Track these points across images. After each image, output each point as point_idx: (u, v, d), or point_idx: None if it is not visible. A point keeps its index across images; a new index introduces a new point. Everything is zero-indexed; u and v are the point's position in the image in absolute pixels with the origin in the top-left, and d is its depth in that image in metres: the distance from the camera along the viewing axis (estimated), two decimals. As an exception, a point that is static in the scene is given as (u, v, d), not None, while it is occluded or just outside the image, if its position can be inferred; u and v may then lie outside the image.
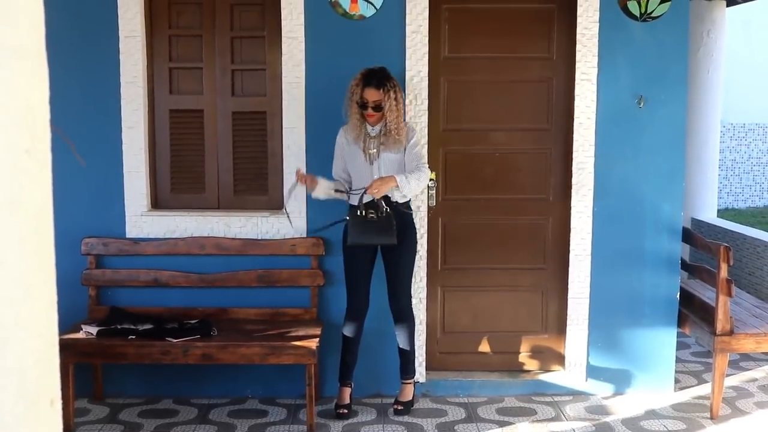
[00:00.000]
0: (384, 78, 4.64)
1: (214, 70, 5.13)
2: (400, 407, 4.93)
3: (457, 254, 5.31)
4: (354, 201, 4.67)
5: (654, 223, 5.16)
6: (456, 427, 4.74)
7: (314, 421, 4.68)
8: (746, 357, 5.97)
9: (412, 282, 4.96)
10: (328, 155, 4.96)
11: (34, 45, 1.08)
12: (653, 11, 5.01)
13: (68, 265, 4.93)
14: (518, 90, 5.23)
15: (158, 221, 5.09)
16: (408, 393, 4.98)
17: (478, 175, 5.26)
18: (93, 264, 5.06)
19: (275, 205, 5.18)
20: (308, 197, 5.05)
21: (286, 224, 5.04)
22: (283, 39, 4.98)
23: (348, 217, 4.67)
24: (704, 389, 5.34)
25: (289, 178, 5.03)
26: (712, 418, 4.88)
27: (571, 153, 5.13)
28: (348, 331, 4.85)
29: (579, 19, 5.01)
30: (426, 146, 5.01)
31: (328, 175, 4.86)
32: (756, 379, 5.58)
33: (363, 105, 4.63)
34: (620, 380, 5.28)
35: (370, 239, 4.67)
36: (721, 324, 4.79)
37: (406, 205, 4.81)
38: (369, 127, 4.70)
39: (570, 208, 5.16)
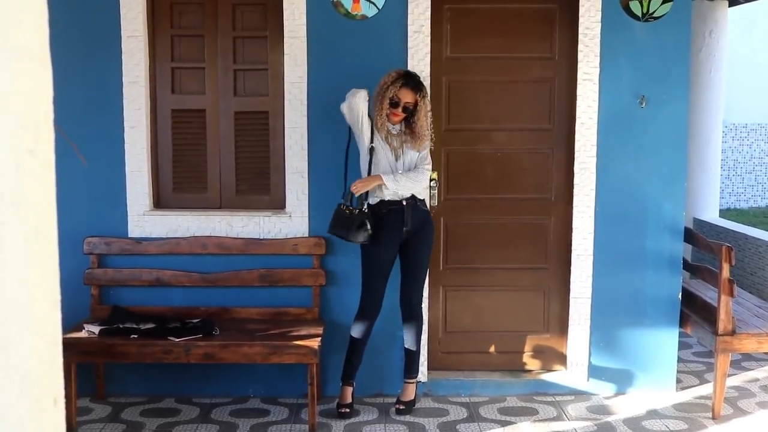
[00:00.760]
0: (420, 82, 4.68)
1: (217, 70, 5.14)
2: (402, 407, 4.93)
3: (459, 254, 5.31)
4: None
5: (656, 223, 5.16)
6: (458, 427, 4.74)
7: (316, 421, 4.69)
8: (748, 357, 5.97)
9: (425, 281, 4.98)
10: (330, 155, 4.97)
11: (38, 46, 1.08)
12: (655, 11, 5.01)
13: (71, 265, 4.94)
14: (520, 90, 5.24)
15: (160, 221, 5.10)
16: (410, 392, 4.98)
17: (480, 174, 5.27)
18: (95, 263, 5.07)
19: (277, 204, 5.18)
20: (311, 197, 5.05)
21: (288, 223, 5.05)
22: (285, 39, 4.99)
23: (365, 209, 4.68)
24: (706, 389, 5.34)
25: (291, 177, 5.04)
26: (713, 418, 4.88)
27: (573, 153, 5.13)
28: (358, 331, 4.83)
29: (581, 20, 5.01)
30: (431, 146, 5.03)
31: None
32: (758, 379, 5.58)
33: (395, 104, 4.63)
34: (622, 380, 5.28)
35: (343, 234, 4.68)
36: (723, 324, 4.79)
37: (422, 202, 4.83)
38: (390, 126, 4.71)
39: (572, 208, 5.17)
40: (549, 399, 5.19)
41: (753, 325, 4.98)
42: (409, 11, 4.97)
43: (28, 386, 1.08)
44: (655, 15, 5.01)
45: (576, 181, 5.13)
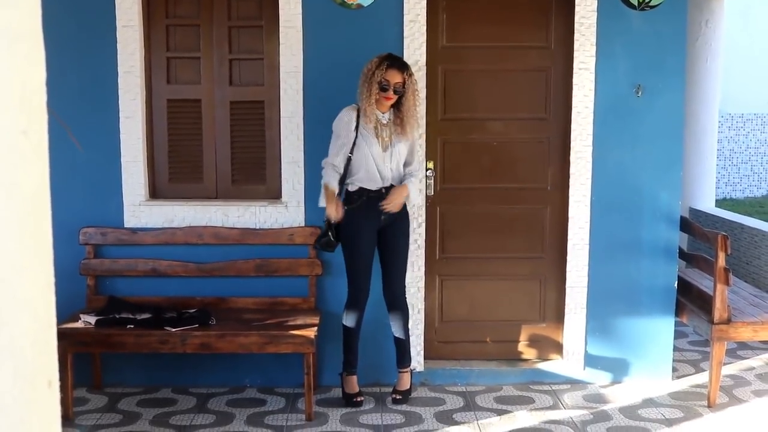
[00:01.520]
0: (404, 61, 4.70)
1: (212, 60, 5.13)
2: (398, 396, 4.94)
3: (455, 243, 5.32)
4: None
5: (652, 212, 5.16)
6: (454, 416, 4.75)
7: (313, 410, 4.70)
8: (744, 346, 5.98)
9: (406, 270, 4.98)
10: (326, 144, 4.95)
11: (30, 26, 1.07)
12: (651, 0, 5.00)
13: (66, 255, 4.94)
14: (516, 79, 5.23)
15: (156, 211, 5.09)
16: (405, 382, 4.99)
17: (476, 164, 5.26)
18: (91, 254, 5.07)
19: (273, 194, 5.18)
20: (307, 186, 5.05)
21: (284, 213, 5.06)
22: (281, 28, 4.97)
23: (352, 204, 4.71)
24: (702, 378, 5.35)
25: (287, 167, 5.04)
26: (709, 406, 4.89)
27: (569, 142, 5.13)
28: (351, 321, 4.84)
29: (577, 8, 5.01)
30: (423, 136, 5.03)
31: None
32: (753, 368, 5.59)
33: (384, 87, 4.61)
34: (618, 369, 5.29)
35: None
36: (718, 312, 4.80)
37: None
38: (380, 114, 4.70)
39: (568, 198, 5.17)
40: (545, 388, 5.20)
41: (748, 314, 4.99)
42: (405, 0, 4.96)
43: (22, 368, 1.07)
44: (651, 4, 5.01)
45: (572, 170, 5.13)
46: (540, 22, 5.17)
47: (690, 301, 5.20)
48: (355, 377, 4.92)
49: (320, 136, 5.00)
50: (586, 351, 5.27)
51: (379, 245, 4.85)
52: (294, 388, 5.12)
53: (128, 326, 4.67)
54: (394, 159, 4.74)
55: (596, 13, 5.00)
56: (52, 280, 1.15)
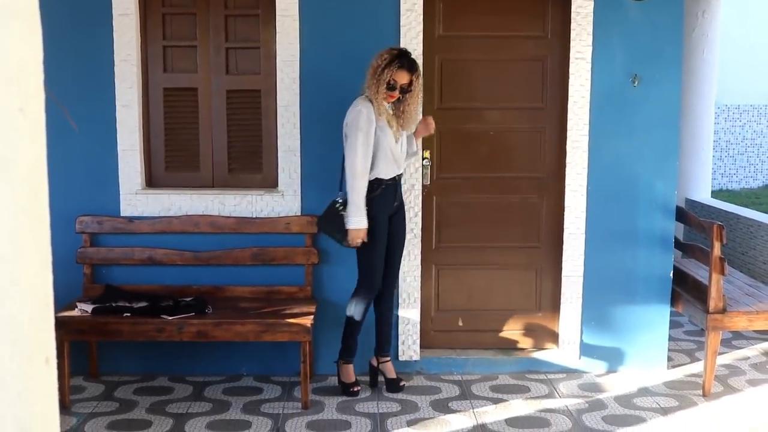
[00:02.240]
0: (414, 60, 4.69)
1: (209, 49, 5.12)
2: (402, 384, 4.98)
3: (451, 233, 5.32)
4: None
5: (648, 202, 5.18)
6: (450, 404, 4.77)
7: (309, 398, 4.71)
8: (739, 336, 6.01)
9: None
10: (322, 133, 4.97)
11: (27, 4, 1.08)
12: (648, -10, 5.00)
13: (63, 243, 4.94)
14: (513, 69, 5.23)
15: (153, 199, 5.09)
16: (393, 369, 5.01)
17: (472, 153, 5.27)
18: (88, 242, 5.07)
19: (269, 183, 5.18)
20: (303, 175, 5.06)
21: (281, 202, 5.06)
22: (277, 17, 4.97)
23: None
24: (697, 367, 5.38)
25: (284, 156, 5.04)
26: (704, 395, 4.91)
27: (566, 132, 5.13)
28: (360, 312, 4.81)
29: (574, -2, 5.01)
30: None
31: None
32: (748, 358, 5.61)
33: (392, 87, 4.61)
34: (613, 358, 5.31)
35: (338, 238, 4.71)
36: (713, 302, 4.81)
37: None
38: (387, 106, 4.71)
39: (564, 187, 5.18)
40: (541, 377, 5.22)
41: (743, 304, 5.00)
42: (402, -11, 4.96)
43: (20, 344, 1.08)
44: (647, -7, 5.01)
45: (568, 159, 5.13)
46: (537, 11, 5.17)
47: (685, 290, 5.21)
48: (352, 366, 4.93)
49: (317, 124, 5.01)
50: (581, 340, 5.29)
51: (389, 233, 4.86)
52: (290, 377, 5.14)
53: (125, 314, 4.67)
54: (403, 147, 4.80)
55: (593, 3, 5.00)
56: (49, 258, 1.15)
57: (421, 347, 5.28)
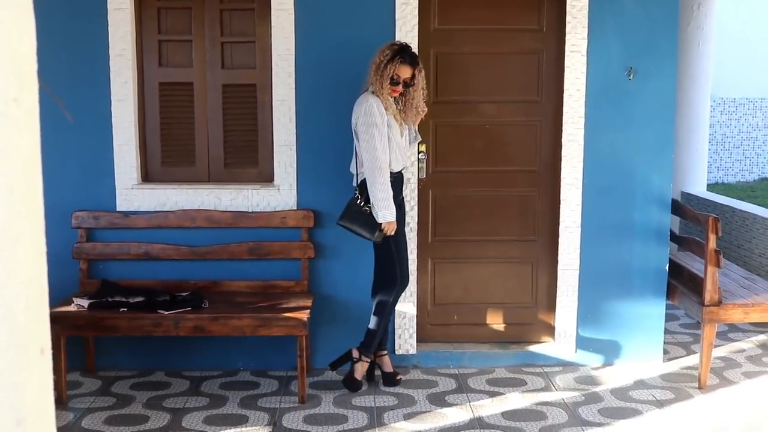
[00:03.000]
0: (415, 55, 4.70)
1: (204, 43, 5.11)
2: (399, 377, 4.98)
3: (447, 226, 5.33)
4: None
5: (643, 195, 5.18)
6: (447, 398, 4.77)
7: (306, 393, 4.71)
8: (734, 328, 6.02)
9: None
10: (318, 127, 4.98)
11: (20, -7, 1.08)
12: (643, -17, 5.00)
13: (59, 239, 4.94)
14: (508, 62, 5.23)
15: (149, 194, 5.09)
16: (389, 363, 5.01)
17: (468, 147, 5.27)
18: (84, 237, 5.06)
19: (265, 177, 5.18)
20: (299, 169, 5.06)
21: (276, 196, 5.06)
22: (273, 11, 4.96)
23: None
24: (692, 360, 5.39)
25: (280, 150, 5.03)
26: (700, 387, 4.93)
27: (561, 125, 5.14)
28: (392, 305, 4.85)
29: (569, -9, 5.00)
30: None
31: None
32: (744, 350, 5.63)
33: (395, 82, 4.62)
34: (609, 351, 5.32)
35: (356, 228, 4.67)
36: (709, 294, 4.82)
37: None
38: (390, 100, 4.71)
39: (560, 180, 5.18)
40: (537, 370, 5.23)
41: (739, 296, 5.01)
42: (397, -17, 4.95)
43: (15, 334, 1.08)
44: (643, -14, 5.01)
45: (564, 153, 5.14)
46: (532, 4, 5.17)
47: (681, 283, 5.22)
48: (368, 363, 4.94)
49: (312, 119, 5.01)
50: (577, 333, 5.29)
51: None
52: (287, 371, 5.14)
53: (121, 309, 4.67)
54: (407, 140, 4.86)
55: (588, -4, 5.00)
56: (44, 248, 1.15)
57: (417, 341, 5.28)
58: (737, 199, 7.93)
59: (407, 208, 5.07)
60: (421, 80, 4.69)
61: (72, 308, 4.71)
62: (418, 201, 5.18)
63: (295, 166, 5.06)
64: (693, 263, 5.41)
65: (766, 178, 14.49)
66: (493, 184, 5.30)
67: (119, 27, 4.95)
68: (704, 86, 7.67)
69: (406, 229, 5.06)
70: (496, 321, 5.42)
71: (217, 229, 5.08)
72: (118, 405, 4.67)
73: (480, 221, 5.33)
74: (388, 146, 4.61)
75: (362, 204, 4.63)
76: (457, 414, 4.55)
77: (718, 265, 4.80)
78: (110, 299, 4.76)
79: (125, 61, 4.98)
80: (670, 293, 5.28)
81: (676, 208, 5.37)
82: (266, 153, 5.16)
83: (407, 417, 4.51)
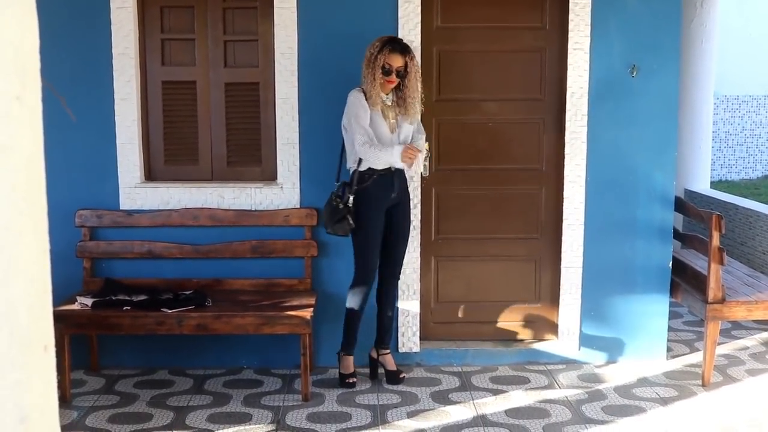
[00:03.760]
0: (406, 44, 4.68)
1: (207, 41, 5.12)
2: (402, 375, 4.98)
3: (450, 224, 5.33)
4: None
5: (647, 193, 5.18)
6: (450, 396, 4.78)
7: (309, 391, 4.72)
8: (738, 325, 6.01)
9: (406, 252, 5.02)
10: (321, 126, 4.97)
11: (22, -8, 1.08)
12: (646, -20, 4.99)
13: (62, 238, 4.95)
14: (511, 60, 5.23)
15: (152, 193, 5.09)
16: (393, 361, 5.02)
17: (471, 145, 5.27)
18: (87, 236, 5.07)
19: (269, 176, 5.18)
20: (302, 168, 5.06)
21: (280, 195, 5.06)
22: (275, 9, 4.96)
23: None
24: (696, 357, 5.38)
25: (283, 149, 5.04)
26: (703, 385, 4.92)
27: (564, 123, 5.13)
28: (357, 302, 4.83)
29: (572, -12, 5.00)
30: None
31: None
32: (747, 347, 5.62)
33: (387, 71, 4.61)
34: (613, 349, 5.31)
35: (326, 224, 4.76)
36: (713, 292, 4.82)
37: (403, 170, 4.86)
38: (384, 97, 4.70)
39: (563, 178, 5.18)
40: (541, 368, 5.22)
41: (743, 293, 5.01)
42: (400, -19, 4.95)
43: (18, 332, 1.08)
44: (645, -16, 5.00)
45: (567, 150, 5.13)
46: (535, 2, 5.16)
47: (685, 281, 5.22)
48: (352, 358, 4.94)
49: (315, 117, 5.01)
50: (581, 331, 5.29)
51: (390, 223, 4.86)
52: (291, 369, 5.14)
53: (125, 308, 4.68)
54: (403, 137, 4.76)
55: (591, -6, 5.00)
56: (47, 246, 1.15)
57: (420, 339, 5.28)
58: (741, 196, 7.92)
59: (410, 206, 5.04)
60: (413, 69, 4.66)
61: (76, 307, 4.71)
62: (421, 199, 5.18)
63: (298, 164, 5.06)
64: (696, 261, 5.41)
65: (769, 175, 14.49)
66: (496, 182, 5.30)
67: (122, 26, 4.96)
68: (707, 83, 7.66)
69: (410, 227, 5.05)
70: (499, 319, 5.42)
71: (220, 228, 5.09)
72: (121, 403, 4.67)
73: (483, 219, 5.33)
74: (370, 130, 4.62)
75: (340, 203, 4.66)
76: (460, 412, 4.55)
77: (721, 262, 4.79)
78: (113, 298, 4.77)
79: (128, 59, 4.98)
80: (673, 291, 5.28)
81: (680, 205, 5.36)
82: (269, 151, 5.16)
83: (411, 415, 4.51)
